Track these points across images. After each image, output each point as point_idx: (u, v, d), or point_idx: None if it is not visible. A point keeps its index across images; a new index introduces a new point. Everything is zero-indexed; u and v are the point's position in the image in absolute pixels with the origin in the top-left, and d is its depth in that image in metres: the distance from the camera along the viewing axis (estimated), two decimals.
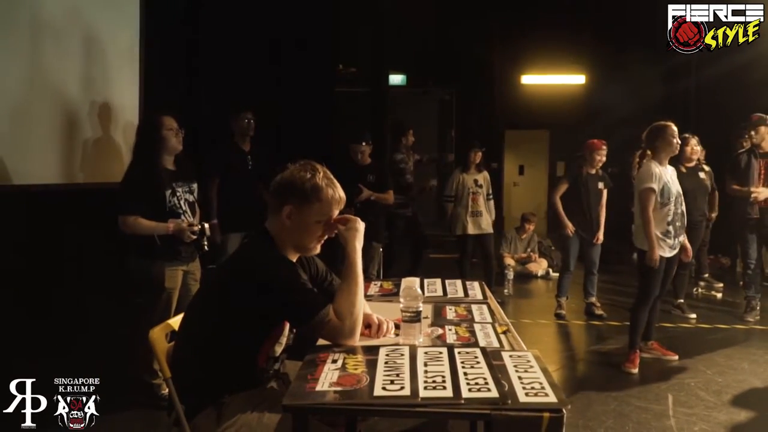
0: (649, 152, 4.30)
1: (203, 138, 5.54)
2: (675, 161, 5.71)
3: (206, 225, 3.54)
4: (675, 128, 4.26)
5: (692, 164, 5.63)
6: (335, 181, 2.07)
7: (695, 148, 5.63)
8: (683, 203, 4.30)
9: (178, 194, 3.48)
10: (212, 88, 6.27)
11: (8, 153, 4.13)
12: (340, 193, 2.06)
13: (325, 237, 2.10)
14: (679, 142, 4.29)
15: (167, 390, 3.44)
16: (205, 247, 3.54)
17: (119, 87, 5.22)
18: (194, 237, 3.44)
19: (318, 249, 2.11)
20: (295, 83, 7.60)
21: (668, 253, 4.26)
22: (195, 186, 3.64)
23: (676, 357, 4.50)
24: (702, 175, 5.63)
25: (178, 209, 3.46)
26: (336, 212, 2.07)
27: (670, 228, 4.22)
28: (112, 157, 5.12)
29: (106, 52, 5.08)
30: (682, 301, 5.82)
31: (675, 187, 4.24)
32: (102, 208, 4.95)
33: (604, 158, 5.66)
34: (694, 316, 5.68)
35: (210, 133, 5.48)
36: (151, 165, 3.43)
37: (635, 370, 4.28)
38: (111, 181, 5.12)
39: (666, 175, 4.23)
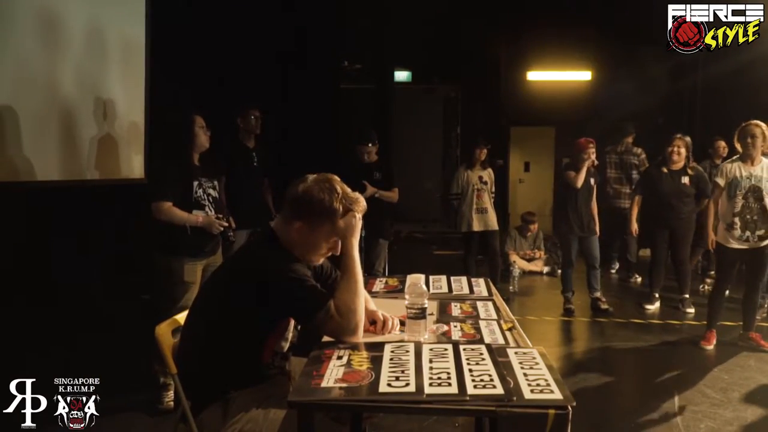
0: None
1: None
2: (661, 162, 5.75)
3: (231, 218, 3.76)
4: (753, 128, 4.44)
5: (677, 166, 5.60)
6: (355, 203, 2.04)
7: (677, 149, 5.61)
8: (763, 199, 4.43)
9: (203, 187, 3.65)
10: (217, 85, 6.27)
11: (14, 150, 4.15)
12: (356, 218, 2.04)
13: (329, 254, 2.12)
14: (752, 141, 4.42)
15: (171, 392, 3.51)
16: (231, 238, 3.71)
17: (125, 84, 5.24)
18: (222, 228, 3.61)
19: (319, 262, 2.13)
20: (300, 80, 7.61)
21: (736, 245, 4.48)
22: (217, 182, 3.79)
23: None
24: (685, 179, 5.57)
25: (203, 201, 3.62)
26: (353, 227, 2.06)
27: (736, 219, 4.45)
28: (118, 154, 5.14)
29: (113, 49, 5.09)
30: (686, 296, 5.81)
31: (751, 183, 4.44)
32: (107, 205, 5.00)
33: (594, 155, 5.66)
34: (692, 311, 5.69)
35: (215, 130, 5.49)
36: (182, 157, 3.63)
37: (708, 347, 4.68)
38: (117, 178, 5.16)
39: (741, 170, 4.48)
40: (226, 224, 3.64)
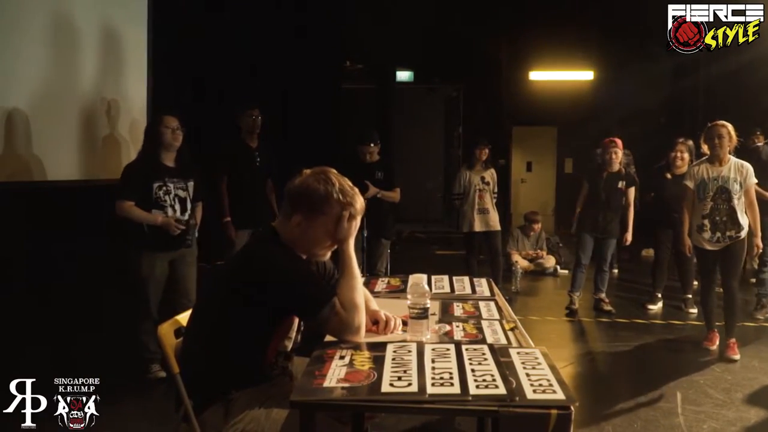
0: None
1: (211, 135, 5.54)
2: (664, 167, 5.72)
3: (192, 221, 3.86)
4: (719, 128, 4.39)
5: (680, 171, 5.53)
6: (351, 192, 2.01)
7: (680, 155, 5.59)
8: (732, 200, 4.36)
9: (166, 188, 3.75)
10: (220, 85, 6.28)
11: (15, 150, 4.15)
12: (357, 206, 2.02)
13: (335, 246, 2.08)
14: (719, 142, 4.37)
15: (158, 371, 3.71)
16: (189, 242, 3.85)
17: (128, 84, 5.24)
18: (179, 230, 3.74)
19: (327, 256, 2.11)
20: (302, 80, 7.60)
21: (709, 246, 4.44)
22: (191, 183, 3.89)
23: (737, 357, 4.41)
24: None
25: (163, 202, 3.73)
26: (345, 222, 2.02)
27: (705, 221, 4.41)
28: (119, 154, 5.14)
29: (115, 50, 5.10)
30: (689, 296, 5.80)
31: (719, 184, 4.38)
32: (109, 205, 4.99)
33: (617, 156, 5.56)
34: (694, 311, 5.68)
35: (218, 130, 5.49)
36: (145, 158, 3.76)
37: (712, 347, 4.63)
38: (117, 178, 5.15)
39: (709, 172, 4.43)
40: (183, 227, 3.75)
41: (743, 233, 4.41)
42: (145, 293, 3.76)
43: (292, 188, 2.02)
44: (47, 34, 4.39)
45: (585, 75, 10.95)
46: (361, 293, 2.00)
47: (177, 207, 3.79)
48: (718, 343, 4.66)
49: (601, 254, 5.73)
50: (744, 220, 4.39)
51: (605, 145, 5.62)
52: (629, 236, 5.69)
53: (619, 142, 5.63)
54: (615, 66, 10.04)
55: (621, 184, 5.60)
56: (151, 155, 3.76)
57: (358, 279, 2.02)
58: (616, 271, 7.61)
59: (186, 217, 3.83)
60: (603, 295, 5.82)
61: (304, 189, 2.00)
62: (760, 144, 5.59)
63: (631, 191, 5.65)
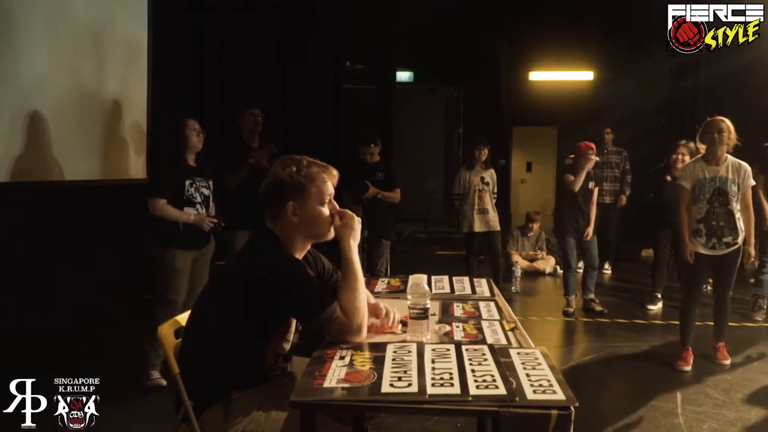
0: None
1: (211, 135, 5.54)
2: (665, 168, 5.71)
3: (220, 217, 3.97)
4: (719, 123, 4.10)
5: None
6: (319, 162, 2.10)
7: (681, 157, 5.56)
8: (729, 203, 4.11)
9: (195, 186, 3.84)
10: (220, 85, 6.27)
11: (16, 151, 4.15)
12: (331, 170, 2.10)
13: (335, 218, 2.10)
14: (719, 137, 4.08)
15: (158, 378, 3.71)
16: (219, 229, 3.94)
17: (127, 84, 5.24)
18: (212, 225, 3.84)
19: (332, 232, 2.10)
20: (303, 80, 7.60)
21: (704, 250, 4.17)
22: (211, 182, 3.99)
23: (728, 362, 4.31)
24: None
25: (194, 199, 3.82)
26: (332, 188, 2.09)
27: (701, 226, 4.17)
28: (119, 154, 5.15)
29: (115, 50, 5.10)
30: None
31: (716, 186, 4.12)
32: (110, 205, 5.00)
33: (593, 161, 5.63)
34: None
35: (218, 130, 5.49)
36: (175, 157, 3.82)
37: (687, 368, 4.26)
38: (118, 178, 5.16)
39: (705, 172, 4.14)
40: (215, 221, 3.85)
41: (740, 239, 4.16)
42: (173, 292, 3.75)
43: (270, 185, 2.06)
44: (47, 35, 4.39)
45: (585, 75, 10.94)
46: (363, 296, 2.00)
47: (204, 204, 3.88)
48: (692, 362, 4.31)
49: (587, 254, 5.74)
50: (742, 225, 4.16)
51: (583, 151, 5.60)
52: (590, 231, 5.66)
53: (595, 147, 5.69)
54: (615, 66, 10.02)
55: (591, 185, 5.67)
56: (177, 153, 3.83)
57: (360, 281, 2.02)
58: (609, 271, 7.61)
59: (213, 213, 3.96)
60: (592, 296, 5.81)
61: (281, 178, 2.03)
62: None
63: (596, 190, 5.74)
